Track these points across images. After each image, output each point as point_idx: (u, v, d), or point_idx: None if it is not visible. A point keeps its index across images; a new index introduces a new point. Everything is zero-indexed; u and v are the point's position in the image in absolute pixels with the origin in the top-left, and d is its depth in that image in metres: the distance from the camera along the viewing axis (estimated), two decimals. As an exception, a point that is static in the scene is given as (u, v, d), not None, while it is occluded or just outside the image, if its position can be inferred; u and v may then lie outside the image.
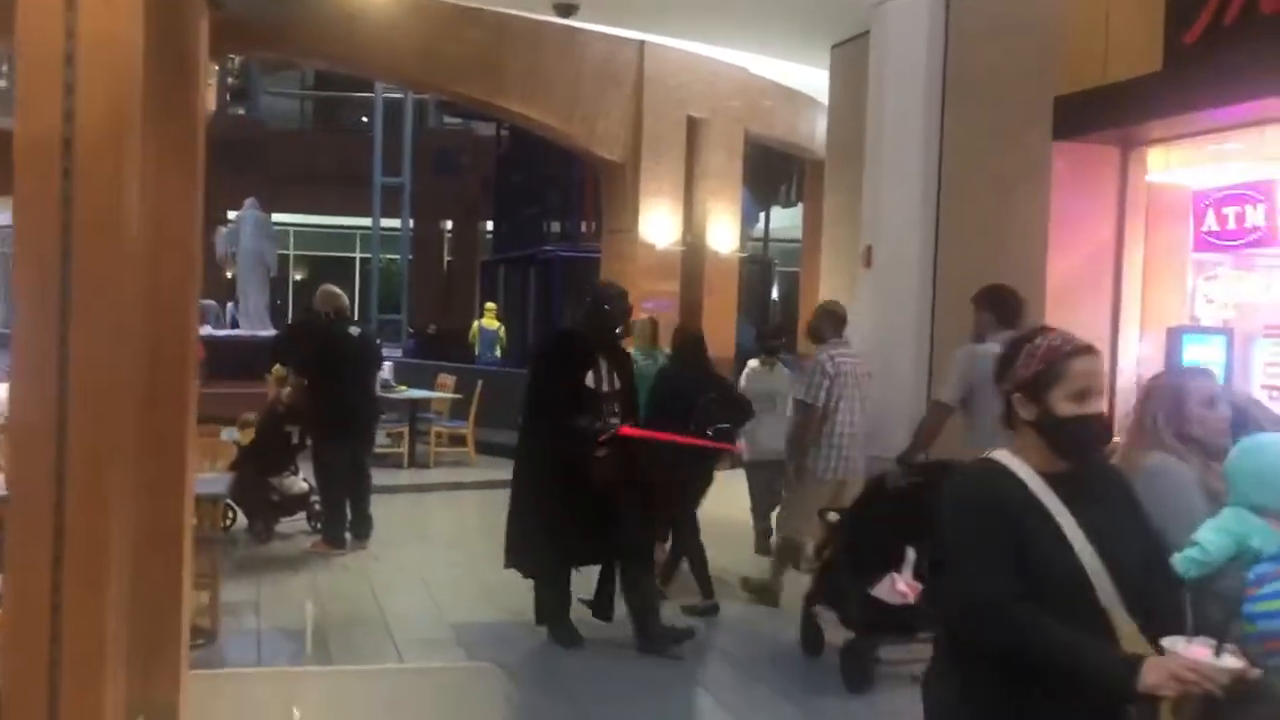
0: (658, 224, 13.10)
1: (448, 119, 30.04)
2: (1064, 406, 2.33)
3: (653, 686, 5.69)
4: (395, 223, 27.06)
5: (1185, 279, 7.46)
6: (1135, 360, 7.20)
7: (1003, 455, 2.42)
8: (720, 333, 13.68)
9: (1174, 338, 7.05)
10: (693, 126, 13.44)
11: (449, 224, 30.81)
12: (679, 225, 13.35)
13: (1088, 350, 2.42)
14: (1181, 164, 7.36)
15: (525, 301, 20.84)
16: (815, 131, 15.56)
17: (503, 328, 18.80)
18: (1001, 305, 5.78)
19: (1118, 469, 2.64)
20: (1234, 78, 5.85)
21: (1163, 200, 7.30)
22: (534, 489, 6.08)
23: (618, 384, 6.14)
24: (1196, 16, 6.02)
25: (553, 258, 19.70)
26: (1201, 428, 3.49)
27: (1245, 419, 5.81)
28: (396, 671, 1.82)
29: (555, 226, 22.83)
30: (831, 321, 7.32)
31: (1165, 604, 2.39)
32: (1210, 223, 6.96)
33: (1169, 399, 3.57)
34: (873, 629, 5.54)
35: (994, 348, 5.21)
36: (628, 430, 5.90)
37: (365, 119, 29.26)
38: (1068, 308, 7.08)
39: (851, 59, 9.44)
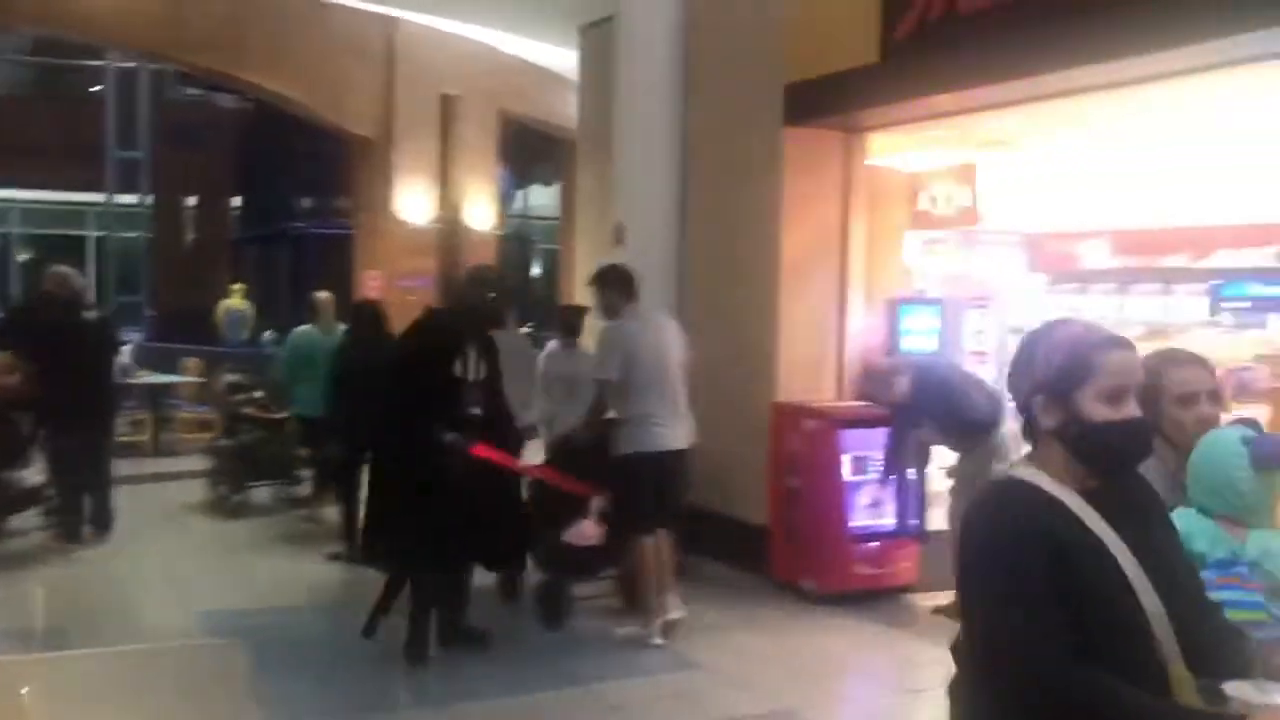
0: (413, 201, 13.01)
1: (188, 90, 28.55)
2: (1096, 409, 1.92)
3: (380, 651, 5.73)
4: (133, 199, 25.54)
5: (902, 255, 8.11)
6: (860, 331, 7.78)
7: (1031, 474, 1.97)
8: (478, 310, 13.75)
9: (893, 308, 7.68)
10: (446, 103, 13.39)
11: (192, 200, 29.34)
12: (435, 202, 13.29)
13: (1121, 343, 1.98)
14: (897, 149, 7.98)
15: (276, 280, 20.21)
16: (572, 112, 15.81)
17: (251, 308, 18.17)
18: (622, 282, 6.21)
19: (1147, 482, 2.12)
20: (939, 71, 6.41)
21: (882, 182, 7.91)
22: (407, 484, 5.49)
23: (483, 372, 5.71)
24: (907, 13, 6.54)
25: (305, 235, 19.20)
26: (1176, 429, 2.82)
27: (949, 387, 6.45)
28: (132, 653, 1.83)
29: (307, 203, 22.20)
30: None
31: (1222, 645, 1.96)
32: (923, 202, 7.60)
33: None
34: (564, 571, 6.25)
35: (636, 321, 6.06)
36: (481, 451, 5.45)
37: (95, 88, 27.40)
38: (800, 282, 7.59)
39: (599, 41, 9.67)
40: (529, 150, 20.77)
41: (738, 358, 7.80)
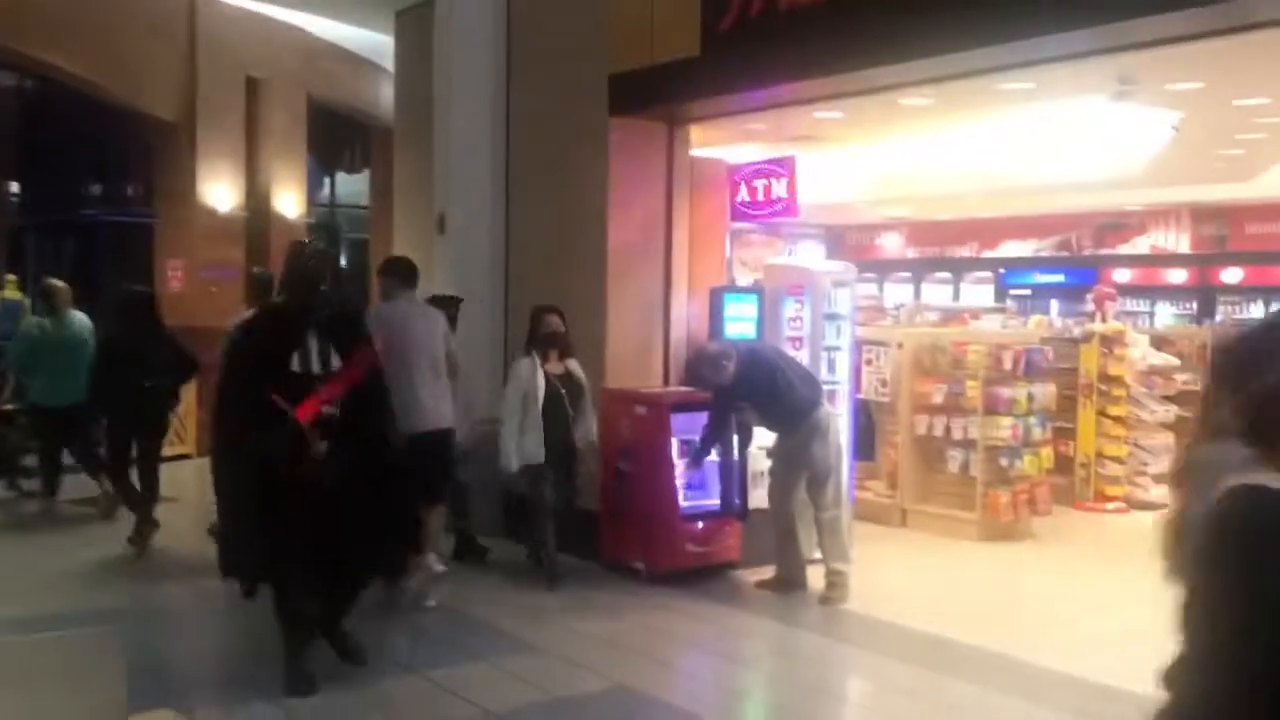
0: (218, 188, 12.51)
1: (-45, 66, 26.48)
2: None
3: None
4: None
5: (724, 244, 8.37)
6: (684, 318, 7.98)
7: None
8: (289, 301, 13.36)
9: (716, 296, 7.91)
10: (252, 87, 12.93)
11: (-39, 185, 27.22)
12: (241, 190, 12.82)
13: None
14: (719, 141, 8.24)
15: (62, 271, 19.01)
16: (379, 97, 15.49)
17: (27, 300, 17.04)
18: (400, 271, 6.74)
19: None
20: (759, 65, 6.65)
21: (704, 173, 8.12)
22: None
23: (335, 363, 4.95)
24: (729, 7, 6.75)
25: (96, 223, 18.14)
26: None
27: (774, 370, 6.73)
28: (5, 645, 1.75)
29: (96, 189, 20.94)
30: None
31: None
32: (743, 194, 7.86)
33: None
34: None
35: (397, 306, 6.56)
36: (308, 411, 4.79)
37: None
38: (627, 271, 7.73)
39: (417, 25, 9.54)
40: (334, 137, 20.23)
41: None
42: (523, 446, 6.79)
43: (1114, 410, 9.86)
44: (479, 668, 5.42)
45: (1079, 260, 16.15)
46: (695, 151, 7.99)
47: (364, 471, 4.99)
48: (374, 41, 14.05)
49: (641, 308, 7.82)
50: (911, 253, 18.56)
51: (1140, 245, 15.65)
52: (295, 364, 4.90)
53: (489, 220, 8.52)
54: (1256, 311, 13.72)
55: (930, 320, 11.52)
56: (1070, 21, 5.27)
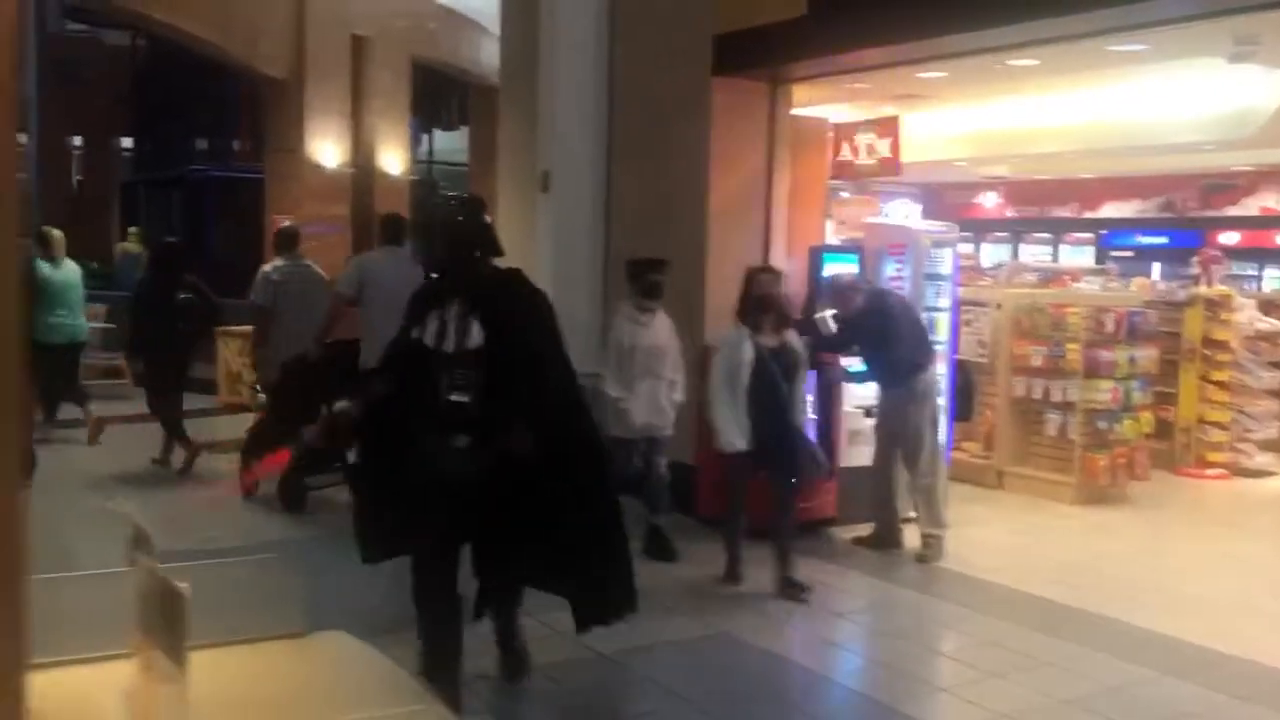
0: (325, 145, 12.85)
1: (71, 25, 27.34)
2: None
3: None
4: (23, 139, 24.43)
5: (823, 203, 8.42)
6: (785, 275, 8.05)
7: None
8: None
9: (815, 255, 7.97)
10: (358, 45, 13.22)
11: (77, 141, 28.21)
12: (347, 146, 13.16)
13: None
14: (819, 100, 8.26)
15: (171, 225, 19.68)
16: (478, 54, 15.72)
17: (145, 252, 17.69)
18: (389, 227, 7.44)
19: None
20: (865, 26, 6.67)
21: (805, 132, 8.18)
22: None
23: (476, 340, 4.04)
24: (835, -32, 6.76)
25: (204, 178, 18.70)
26: None
27: (891, 318, 6.73)
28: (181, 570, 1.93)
29: (203, 144, 21.59)
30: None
31: None
32: (845, 153, 7.89)
33: None
34: (301, 466, 7.48)
35: (379, 255, 7.30)
36: None
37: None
38: (727, 229, 7.83)
39: (522, -15, 9.65)
40: (432, 94, 20.57)
41: (666, 302, 8.01)
42: (723, 426, 5.96)
43: (1217, 375, 9.72)
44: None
45: (1183, 222, 15.77)
46: (795, 110, 8.03)
47: (520, 470, 4.02)
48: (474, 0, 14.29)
49: (741, 266, 7.84)
50: (1009, 212, 18.28)
51: (1249, 207, 15.22)
52: (429, 337, 4.08)
53: (591, 178, 8.67)
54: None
55: (1029, 281, 11.41)
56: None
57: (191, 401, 9.56)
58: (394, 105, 13.96)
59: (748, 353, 5.89)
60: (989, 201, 18.44)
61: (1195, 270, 10.71)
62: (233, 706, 2.01)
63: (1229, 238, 14.85)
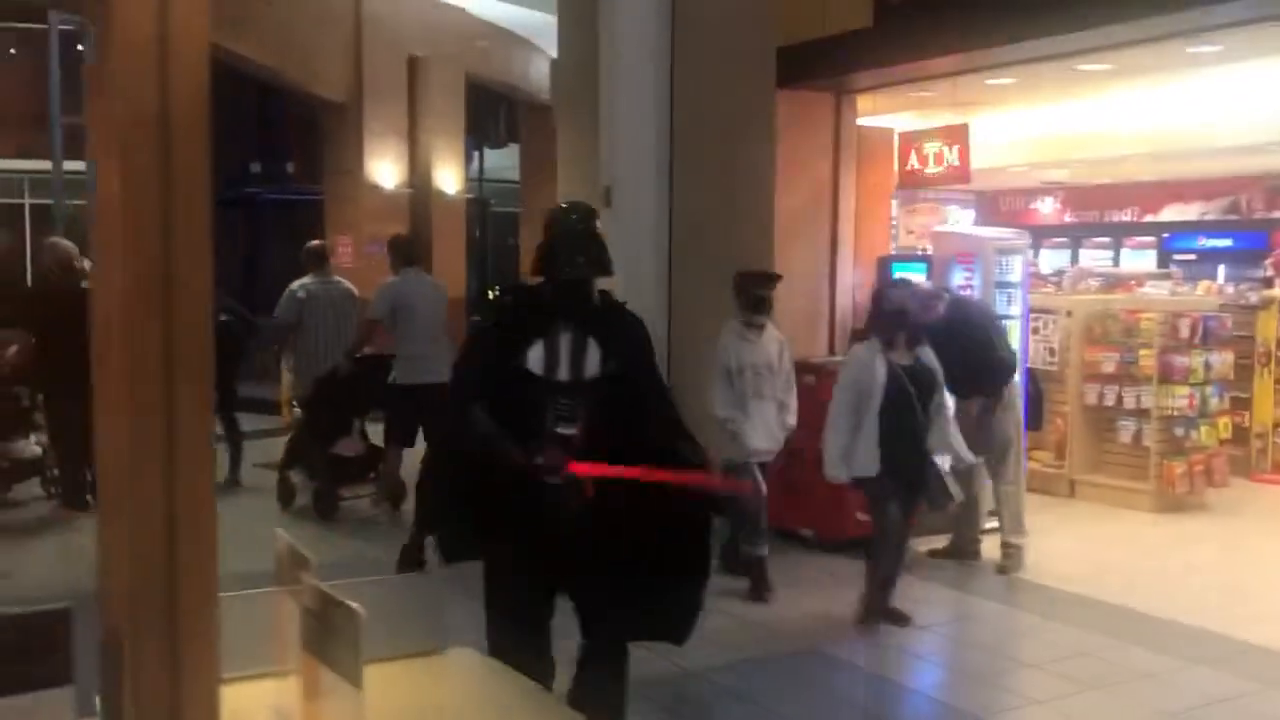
0: (383, 165, 12.99)
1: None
2: None
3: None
4: (81, 165, 24.88)
5: (890, 213, 8.38)
6: (850, 288, 8.03)
7: None
8: (450, 274, 13.80)
9: (884, 265, 7.93)
10: (414, 66, 13.36)
11: (133, 166, 28.59)
12: (404, 167, 13.29)
13: None
14: (887, 110, 8.22)
15: (230, 248, 19.95)
16: (528, 71, 15.83)
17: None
18: (399, 248, 7.70)
19: None
20: (933, 35, 6.65)
21: (871, 142, 8.15)
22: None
23: (593, 369, 3.63)
24: (900, -22, 6.75)
25: (260, 200, 18.95)
26: None
27: (973, 326, 6.56)
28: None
29: (256, 168, 21.85)
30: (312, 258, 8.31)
31: None
32: (913, 162, 7.85)
33: None
34: (334, 477, 7.87)
35: (407, 279, 7.41)
36: (580, 467, 3.55)
37: (13, 50, 26.45)
38: (794, 240, 7.82)
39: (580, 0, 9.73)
40: (483, 112, 20.74)
41: (732, 314, 7.99)
42: (853, 454, 5.52)
43: (1293, 379, 9.54)
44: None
45: (1248, 224, 15.49)
46: (861, 120, 8.00)
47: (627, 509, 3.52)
48: (523, 17, 14.40)
49: (808, 277, 7.89)
50: (1068, 217, 18.07)
51: (1315, 207, 14.94)
52: (536, 364, 3.60)
53: (654, 192, 8.67)
54: None
55: (1092, 287, 11.27)
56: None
57: (255, 422, 9.67)
58: (449, 124, 14.08)
59: (881, 372, 5.44)
60: (1046, 207, 18.24)
61: (1269, 272, 10.52)
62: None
63: (1296, 239, 14.56)
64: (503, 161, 22.30)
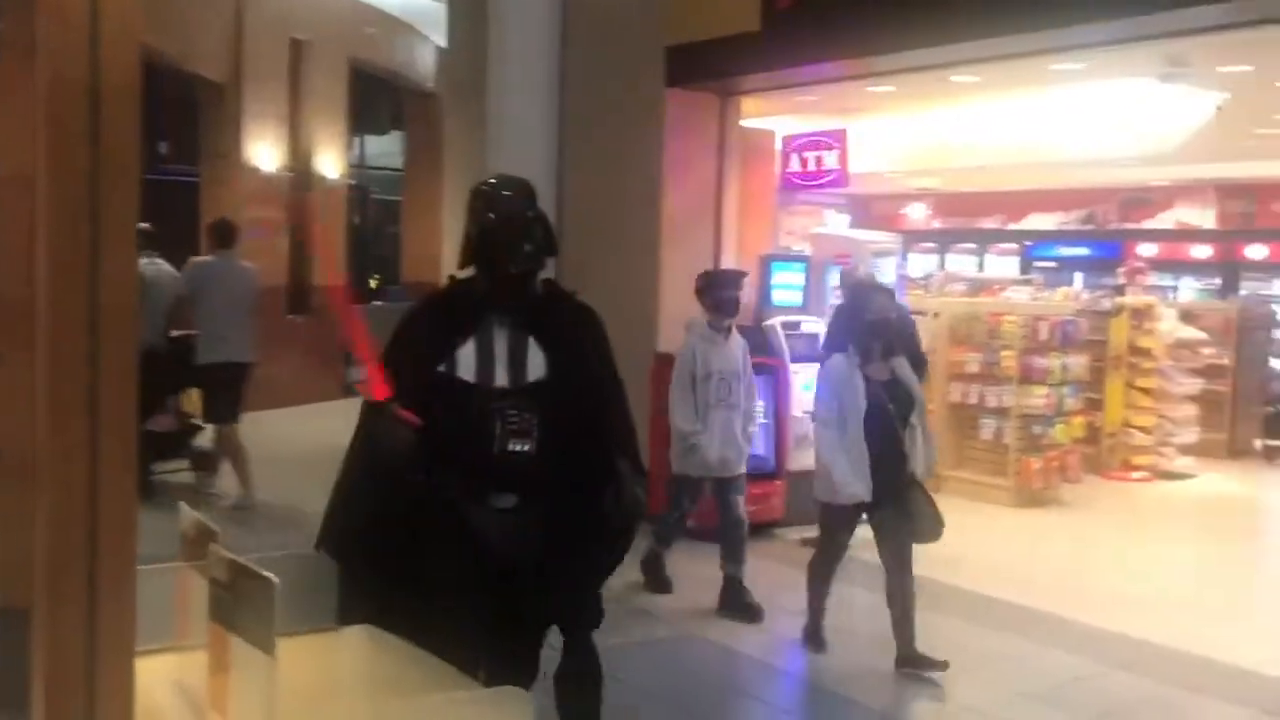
0: (262, 148, 12.71)
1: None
2: None
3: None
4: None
5: (773, 214, 8.60)
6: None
7: None
8: (330, 262, 13.61)
9: (765, 264, 8.15)
10: (296, 49, 13.10)
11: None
12: (284, 150, 13.03)
13: None
14: (768, 112, 8.45)
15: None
16: (414, 59, 15.67)
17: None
18: (217, 231, 8.06)
19: None
20: (818, 42, 6.87)
21: (754, 144, 8.36)
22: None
23: (540, 372, 3.11)
24: (788, -16, 6.95)
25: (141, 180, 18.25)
26: None
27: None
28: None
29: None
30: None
31: None
32: (794, 164, 8.09)
33: None
34: (146, 453, 7.37)
35: (211, 260, 7.84)
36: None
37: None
38: (679, 238, 7.97)
39: (470, -8, 9.69)
40: (365, 99, 20.42)
41: (619, 309, 8.06)
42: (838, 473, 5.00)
43: (1142, 382, 10.12)
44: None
45: (1104, 234, 16.32)
46: (750, 122, 8.21)
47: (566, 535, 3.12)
48: (410, 3, 14.25)
49: (693, 275, 8.01)
50: (937, 223, 18.72)
51: (1165, 220, 15.82)
52: (470, 370, 3.08)
53: (542, 186, 8.65)
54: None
55: (958, 290, 11.75)
56: (1121, 9, 5.49)
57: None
58: (331, 109, 13.85)
59: (859, 386, 4.92)
60: (917, 212, 18.86)
61: (1120, 280, 11.12)
62: (288, 695, 2.06)
63: (1147, 249, 15.41)
64: (385, 149, 21.99)
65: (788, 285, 8.10)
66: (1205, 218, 15.48)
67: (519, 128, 8.75)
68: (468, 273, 3.24)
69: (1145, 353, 10.12)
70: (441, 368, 3.08)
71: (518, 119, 8.75)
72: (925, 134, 11.68)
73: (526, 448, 3.04)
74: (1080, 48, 6.40)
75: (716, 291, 5.96)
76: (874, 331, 4.97)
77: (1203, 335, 10.75)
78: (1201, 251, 15.34)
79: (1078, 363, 9.22)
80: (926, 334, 9.19)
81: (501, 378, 3.08)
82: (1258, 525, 9.30)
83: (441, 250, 9.50)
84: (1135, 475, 9.94)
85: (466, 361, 3.08)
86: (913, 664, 5.08)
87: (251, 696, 1.79)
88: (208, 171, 12.89)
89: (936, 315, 9.27)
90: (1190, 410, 10.41)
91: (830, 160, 7.82)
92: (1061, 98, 9.02)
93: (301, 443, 9.29)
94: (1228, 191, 15.18)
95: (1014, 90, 8.44)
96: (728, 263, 8.16)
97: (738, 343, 6.00)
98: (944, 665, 5.02)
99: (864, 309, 5.05)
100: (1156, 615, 5.95)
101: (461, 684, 2.21)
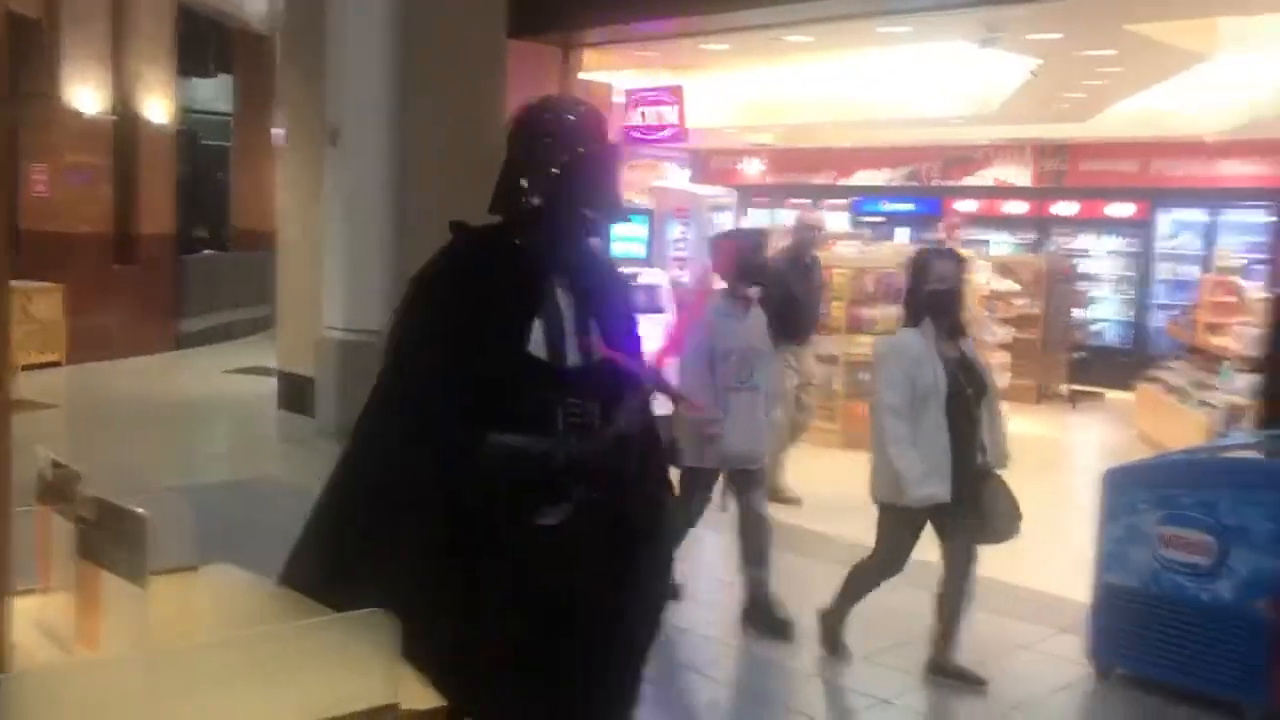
0: (83, 90, 12.12)
1: None
2: None
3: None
4: None
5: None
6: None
7: None
8: (158, 210, 13.17)
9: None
10: (117, -14, 12.50)
11: None
12: (107, 93, 12.45)
13: None
14: (611, 66, 8.57)
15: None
16: (247, 1, 15.16)
17: None
18: None
19: None
20: (657, -3, 7.03)
21: (595, 97, 8.45)
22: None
23: (599, 344, 2.53)
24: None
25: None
26: None
27: None
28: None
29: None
30: None
31: None
32: (635, 119, 8.25)
33: None
34: None
35: None
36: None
37: None
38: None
39: (305, -66, 9.46)
40: (191, 40, 19.60)
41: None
42: (910, 471, 4.34)
43: (961, 331, 10.71)
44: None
45: (927, 190, 17.07)
46: (588, 76, 8.31)
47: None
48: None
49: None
50: (771, 179, 19.23)
51: (985, 178, 16.65)
52: (539, 347, 2.44)
53: (384, 135, 8.64)
54: (1086, 242, 14.88)
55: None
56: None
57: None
58: (157, 50, 13.27)
59: (938, 369, 4.28)
60: (752, 168, 19.32)
61: (940, 235, 11.71)
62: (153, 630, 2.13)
63: (966, 206, 16.20)
64: (212, 93, 21.16)
65: (629, 237, 8.27)
66: (1022, 176, 16.37)
67: (359, 74, 8.61)
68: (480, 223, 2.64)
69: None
70: (496, 349, 2.38)
71: (358, 65, 8.61)
72: (760, 91, 12.00)
73: (588, 446, 2.41)
74: (905, 11, 6.74)
75: (740, 258, 5.04)
76: (942, 304, 4.31)
77: (1016, 287, 11.44)
78: (1016, 208, 16.21)
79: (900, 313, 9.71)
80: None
81: (572, 355, 2.45)
82: (1061, 463, 10.02)
83: (273, 198, 9.33)
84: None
85: (536, 336, 2.43)
86: (949, 674, 4.61)
87: (121, 631, 1.86)
88: (23, 111, 12.22)
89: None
90: (1003, 358, 11.09)
91: (669, 115, 8.01)
92: (889, 59, 9.43)
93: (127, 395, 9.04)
94: (1043, 151, 16.07)
95: (844, 51, 8.79)
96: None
97: (759, 319, 5.14)
98: (983, 682, 4.56)
99: (928, 274, 4.35)
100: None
101: (314, 610, 2.27)
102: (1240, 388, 8.50)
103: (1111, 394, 12.25)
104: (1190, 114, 12.04)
